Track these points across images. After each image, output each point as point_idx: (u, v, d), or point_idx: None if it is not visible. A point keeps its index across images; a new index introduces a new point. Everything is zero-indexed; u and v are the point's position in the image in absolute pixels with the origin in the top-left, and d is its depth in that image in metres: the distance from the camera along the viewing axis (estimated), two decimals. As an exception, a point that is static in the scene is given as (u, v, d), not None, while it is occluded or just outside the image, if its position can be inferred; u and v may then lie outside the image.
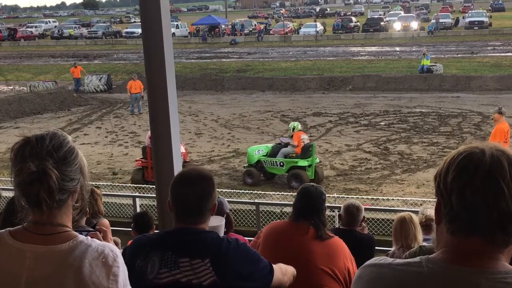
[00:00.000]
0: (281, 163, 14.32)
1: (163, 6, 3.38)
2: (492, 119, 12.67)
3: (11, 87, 34.60)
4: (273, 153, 14.61)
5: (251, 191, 12.65)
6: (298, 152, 14.23)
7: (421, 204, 11.11)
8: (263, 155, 14.66)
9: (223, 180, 14.80)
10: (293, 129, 14.64)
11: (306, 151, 14.18)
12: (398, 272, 1.55)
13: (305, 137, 14.63)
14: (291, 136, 14.62)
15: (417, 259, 1.57)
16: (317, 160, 14.53)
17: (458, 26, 59.39)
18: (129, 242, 3.15)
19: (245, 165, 15.10)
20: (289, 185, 14.08)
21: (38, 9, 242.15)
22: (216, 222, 2.79)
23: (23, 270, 1.82)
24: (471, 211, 1.48)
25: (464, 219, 1.49)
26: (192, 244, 2.51)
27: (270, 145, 15.47)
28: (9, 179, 1.90)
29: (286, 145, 14.65)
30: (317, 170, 14.29)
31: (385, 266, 1.60)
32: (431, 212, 5.67)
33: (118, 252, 1.89)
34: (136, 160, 15.13)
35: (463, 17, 60.65)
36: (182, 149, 14.98)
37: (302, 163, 14.06)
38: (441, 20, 57.95)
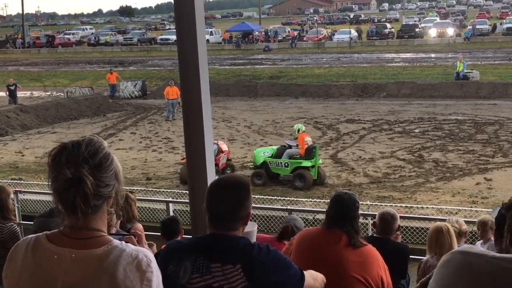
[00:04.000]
0: (286, 164, 15.02)
1: (198, 13, 3.40)
2: None
3: (49, 93, 35.30)
4: (278, 154, 15.30)
5: (284, 198, 12.66)
6: (302, 154, 14.87)
7: (456, 213, 10.96)
8: (269, 157, 15.30)
9: (255, 186, 14.81)
10: (298, 130, 15.33)
11: (310, 153, 14.84)
12: (491, 265, 1.49)
13: (308, 139, 15.22)
14: (296, 138, 15.29)
15: None
16: (320, 161, 15.28)
17: (496, 32, 58.44)
18: (162, 247, 3.18)
19: (251, 167, 15.43)
20: (293, 184, 14.76)
21: (76, 16, 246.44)
22: (248, 228, 2.78)
23: (59, 273, 1.85)
24: None
25: None
26: (224, 249, 2.52)
27: (275, 147, 16.07)
28: (47, 183, 1.94)
29: (290, 146, 15.30)
30: (320, 171, 14.99)
31: (477, 256, 1.53)
32: (458, 220, 5.60)
33: (152, 257, 1.91)
34: (183, 158, 15.28)
35: (501, 23, 59.71)
36: (225, 148, 15.75)
37: (306, 163, 14.70)
38: (478, 27, 57.13)
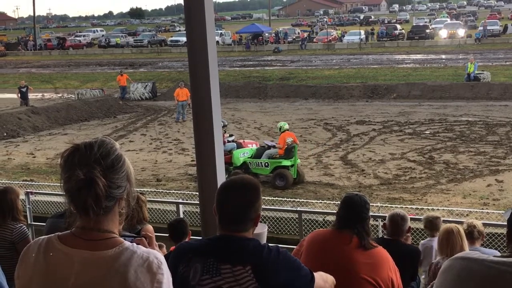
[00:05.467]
0: (266, 164, 15.20)
1: (208, 14, 3.42)
2: None
3: (60, 95, 35.51)
4: (257, 155, 15.50)
5: (294, 199, 12.65)
6: (281, 153, 15.03)
7: (467, 215, 10.90)
8: (248, 157, 15.49)
9: (265, 188, 14.81)
10: (280, 128, 15.48)
11: (289, 152, 14.98)
12: (492, 269, 1.49)
13: (290, 140, 15.22)
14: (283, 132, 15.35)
15: None
16: (299, 161, 15.42)
17: (507, 33, 58.10)
18: (171, 248, 3.19)
19: (231, 168, 15.46)
20: (274, 184, 14.89)
21: (86, 18, 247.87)
22: (258, 230, 2.79)
23: (71, 274, 1.86)
24: None
25: None
26: (234, 251, 2.53)
27: (254, 147, 16.16)
28: (57, 184, 1.95)
29: (270, 147, 15.45)
30: (299, 170, 15.15)
31: (479, 261, 1.53)
32: (473, 221, 5.57)
33: (163, 259, 1.92)
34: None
35: (512, 24, 59.39)
36: (255, 147, 16.06)
37: (286, 163, 14.88)
38: (489, 27, 56.80)
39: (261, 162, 15.27)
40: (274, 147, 15.34)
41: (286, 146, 15.03)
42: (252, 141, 17.25)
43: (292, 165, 14.90)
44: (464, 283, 1.52)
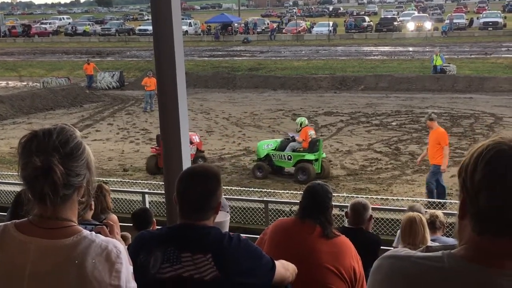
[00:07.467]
0: (289, 157, 14.74)
1: (174, 3, 3.39)
2: (428, 127, 12.65)
3: (25, 83, 34.87)
4: (281, 147, 15.02)
5: (261, 189, 12.70)
6: (306, 147, 14.62)
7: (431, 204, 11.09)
8: (272, 149, 15.03)
9: (233, 178, 14.83)
10: (301, 124, 15.01)
11: (313, 146, 14.59)
12: (418, 265, 1.51)
13: (312, 133, 14.93)
14: (299, 131, 14.95)
15: (439, 253, 1.51)
16: (324, 155, 14.97)
17: (473, 26, 59.01)
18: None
19: (254, 159, 15.32)
20: (296, 178, 14.49)
21: (53, 5, 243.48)
22: (220, 218, 2.79)
23: (27, 263, 1.83)
24: (501, 213, 1.41)
25: (492, 220, 1.43)
26: (194, 239, 2.53)
27: (279, 139, 15.79)
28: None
29: (294, 139, 15.02)
30: (323, 164, 14.73)
31: (405, 258, 1.55)
32: (435, 211, 5.68)
33: (122, 248, 1.89)
34: (151, 148, 15.72)
35: (478, 18, 60.28)
36: (197, 139, 15.59)
37: (309, 157, 14.45)
38: (455, 21, 57.60)
39: (284, 155, 14.74)
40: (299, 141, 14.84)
41: (310, 139, 14.60)
42: (193, 133, 16.89)
43: (316, 160, 14.43)
44: (392, 281, 1.54)
